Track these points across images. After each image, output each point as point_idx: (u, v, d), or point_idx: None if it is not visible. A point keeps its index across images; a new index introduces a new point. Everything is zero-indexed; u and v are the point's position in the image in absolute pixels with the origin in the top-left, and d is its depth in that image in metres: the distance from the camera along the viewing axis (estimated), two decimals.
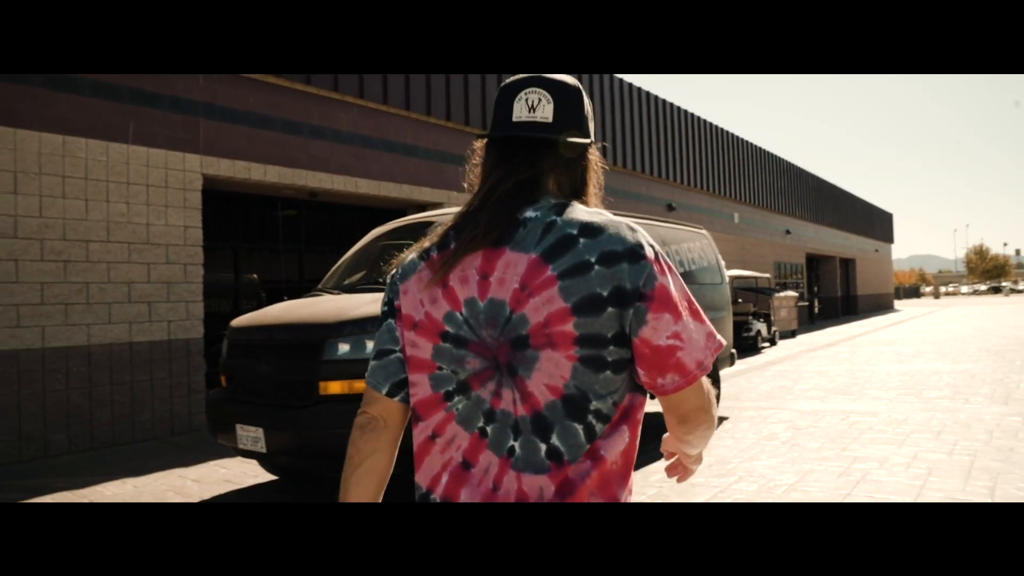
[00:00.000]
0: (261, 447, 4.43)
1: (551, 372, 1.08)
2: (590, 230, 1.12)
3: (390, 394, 1.23)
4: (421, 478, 1.20)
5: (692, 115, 21.84)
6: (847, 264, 36.53)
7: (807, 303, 28.84)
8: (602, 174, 1.30)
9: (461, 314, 1.14)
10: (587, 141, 1.25)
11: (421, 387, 1.18)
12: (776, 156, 26.75)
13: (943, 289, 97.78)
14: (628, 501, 1.16)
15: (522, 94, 1.21)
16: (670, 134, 20.28)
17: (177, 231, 7.96)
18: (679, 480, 1.40)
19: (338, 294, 5.18)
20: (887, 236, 44.73)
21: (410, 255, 1.25)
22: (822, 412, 7.55)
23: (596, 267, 1.08)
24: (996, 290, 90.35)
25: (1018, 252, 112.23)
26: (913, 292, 77.20)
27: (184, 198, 8.05)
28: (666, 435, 1.32)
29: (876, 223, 41.87)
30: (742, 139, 23.64)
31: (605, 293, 1.07)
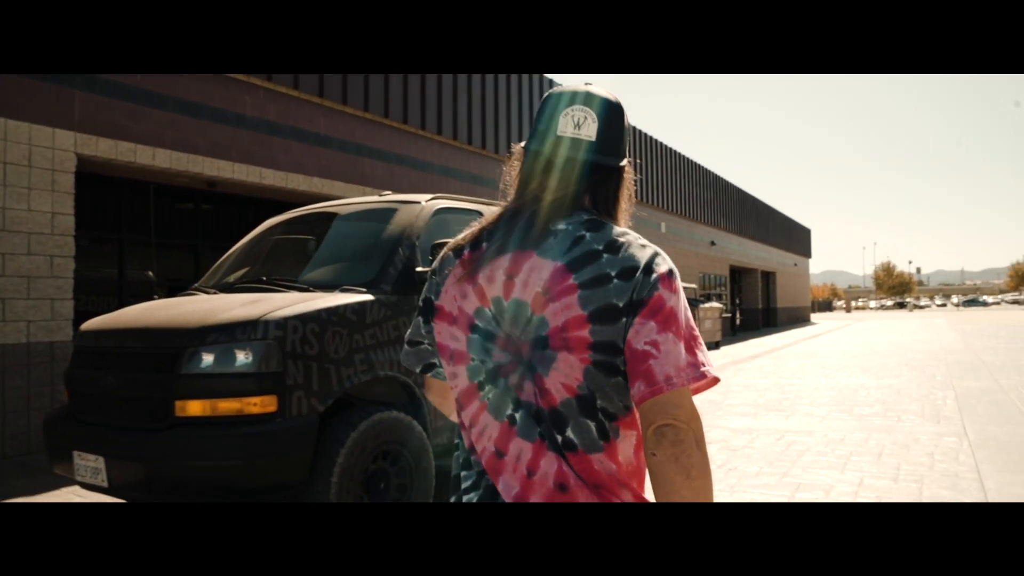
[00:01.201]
0: (102, 480, 3.58)
1: (567, 373, 1.16)
2: (614, 247, 1.19)
3: (424, 371, 1.39)
4: (458, 466, 1.29)
5: None
6: (768, 277, 37.26)
7: (730, 315, 29.12)
8: (633, 188, 1.35)
9: (489, 310, 1.22)
10: (623, 163, 1.31)
11: (460, 379, 1.26)
12: (702, 167, 26.90)
13: (853, 304, 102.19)
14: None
15: (569, 110, 1.27)
16: None
17: (42, 218, 6.91)
18: None
19: (214, 294, 4.37)
20: (805, 251, 46.03)
21: (447, 254, 1.31)
22: (756, 431, 7.13)
23: (615, 280, 1.16)
24: (901, 305, 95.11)
25: (919, 270, 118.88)
26: (826, 306, 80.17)
27: (52, 180, 7.01)
28: None
29: (795, 238, 43.00)
30: (671, 148, 23.58)
31: (621, 304, 1.15)
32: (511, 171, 1.36)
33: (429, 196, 4.71)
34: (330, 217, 4.87)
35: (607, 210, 1.30)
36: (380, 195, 5.06)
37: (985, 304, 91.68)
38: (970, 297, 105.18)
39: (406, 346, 1.40)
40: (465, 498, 1.25)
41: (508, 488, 1.19)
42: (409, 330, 1.40)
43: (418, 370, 1.39)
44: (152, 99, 7.98)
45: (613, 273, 1.16)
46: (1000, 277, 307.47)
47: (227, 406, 3.42)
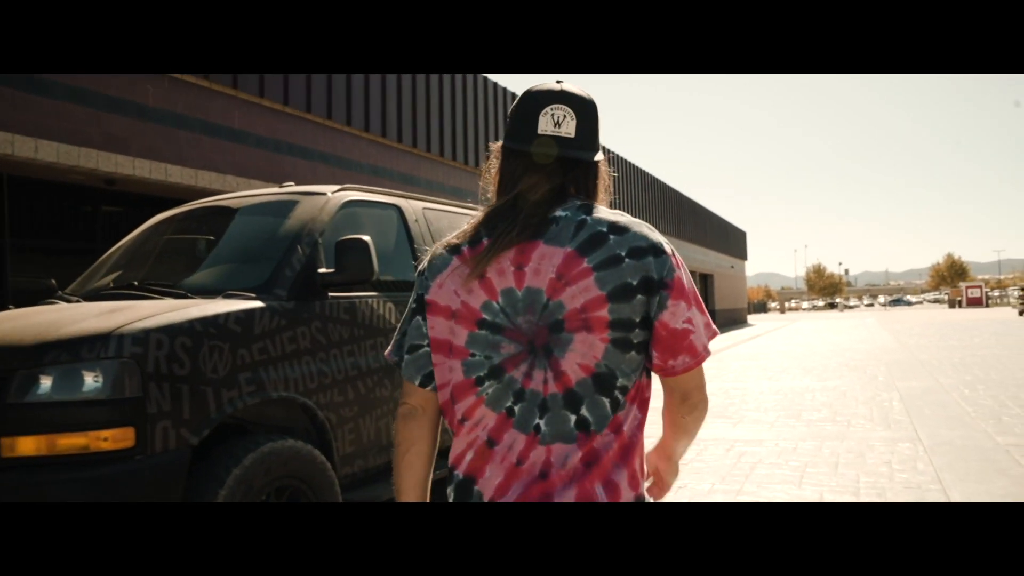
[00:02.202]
0: None
1: (584, 352, 1.22)
2: (618, 228, 1.27)
3: (423, 384, 1.36)
4: (449, 458, 1.34)
5: None
6: (706, 279, 37.57)
7: None
8: (609, 179, 1.43)
9: (497, 303, 1.26)
10: (600, 158, 1.39)
11: (456, 373, 1.30)
12: (639, 168, 26.81)
13: (787, 305, 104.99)
14: (641, 472, 1.30)
15: (548, 109, 1.33)
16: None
17: None
18: (654, 499, 1.48)
19: (76, 302, 3.65)
20: (742, 253, 46.74)
21: (439, 251, 1.36)
22: (704, 441, 6.71)
23: (626, 260, 1.24)
24: (832, 306, 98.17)
25: (847, 272, 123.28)
26: (761, 307, 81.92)
27: None
28: (649, 451, 1.46)
29: (732, 240, 43.58)
30: (607, 148, 23.36)
31: (635, 282, 1.23)
32: (491, 169, 1.41)
33: (336, 187, 4.09)
34: (224, 212, 4.20)
35: (588, 196, 1.37)
36: (280, 187, 4.41)
37: (909, 303, 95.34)
38: (895, 297, 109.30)
39: (406, 354, 1.38)
40: (452, 498, 1.32)
41: (493, 477, 1.26)
42: (403, 333, 1.40)
43: (416, 382, 1.37)
44: (35, 85, 7.11)
45: (623, 254, 1.24)
46: (921, 277, 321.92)
47: (70, 442, 2.73)
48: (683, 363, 1.27)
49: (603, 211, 1.31)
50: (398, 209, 4.42)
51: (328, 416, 3.50)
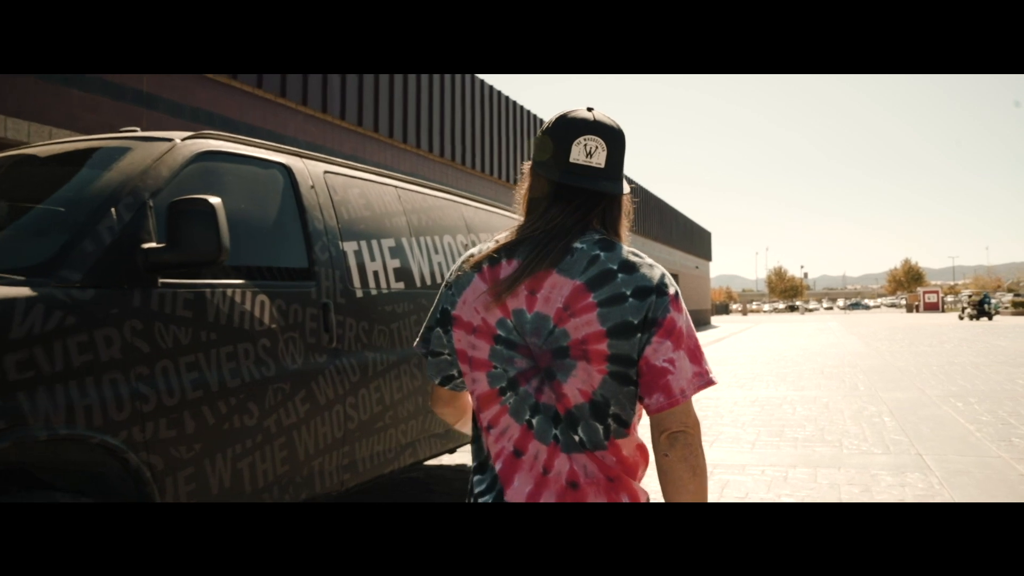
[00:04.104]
0: None
1: (584, 380, 1.29)
2: (627, 267, 1.32)
3: (442, 384, 1.51)
4: (473, 461, 1.42)
5: (527, 111, 20.28)
6: None
7: None
8: (631, 208, 1.47)
9: (510, 321, 1.33)
10: (627, 191, 1.44)
11: (480, 383, 1.37)
12: None
13: (748, 306, 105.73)
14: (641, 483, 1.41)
15: (581, 139, 1.36)
16: (503, 130, 18.53)
17: None
18: None
19: None
20: (706, 254, 46.25)
21: (463, 268, 1.42)
22: None
23: (630, 299, 1.29)
24: (792, 308, 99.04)
25: (806, 275, 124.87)
26: (723, 309, 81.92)
27: None
28: None
29: (697, 240, 43.04)
30: None
31: (636, 322, 1.28)
32: (521, 189, 1.46)
33: (190, 133, 2.94)
34: (30, 163, 3.03)
35: (613, 229, 1.41)
36: (120, 131, 3.24)
37: (867, 307, 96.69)
38: (854, 301, 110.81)
39: (429, 357, 1.48)
40: (480, 500, 1.37)
41: (523, 485, 1.33)
42: (429, 330, 1.47)
43: (436, 381, 1.49)
44: None
45: (628, 292, 1.30)
46: (877, 282, 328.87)
47: None
48: (656, 402, 1.29)
49: (618, 248, 1.35)
50: (285, 170, 3.29)
51: (148, 459, 2.37)
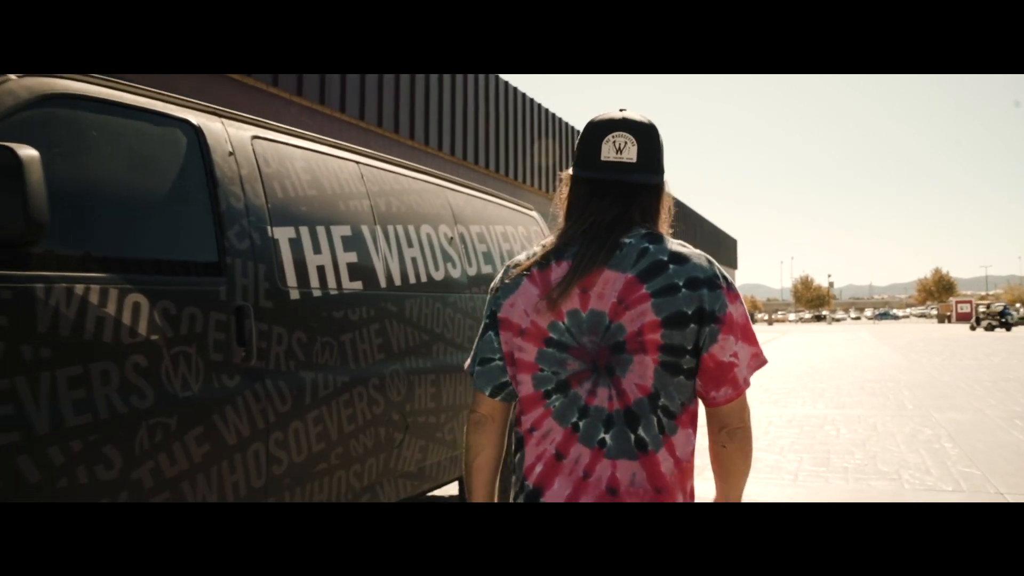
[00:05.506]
0: None
1: (641, 373, 1.31)
2: (678, 258, 1.34)
3: (492, 395, 1.45)
4: (519, 467, 1.41)
5: (548, 111, 19.57)
6: None
7: None
8: (672, 200, 1.48)
9: (563, 323, 1.34)
10: (663, 181, 1.44)
11: (525, 386, 1.39)
12: None
13: (774, 316, 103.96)
14: (692, 496, 1.41)
15: (609, 137, 1.39)
16: (520, 130, 17.81)
17: None
18: None
19: None
20: (732, 262, 45.18)
21: (510, 275, 1.42)
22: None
23: (683, 290, 1.31)
24: (820, 318, 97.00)
25: (832, 285, 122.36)
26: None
27: None
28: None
29: (723, 248, 42.01)
30: None
31: (689, 312, 1.30)
32: (560, 195, 1.47)
33: (41, 75, 2.14)
34: None
35: (653, 221, 1.43)
36: None
37: (896, 317, 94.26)
38: (882, 311, 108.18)
39: (476, 367, 1.45)
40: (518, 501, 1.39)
41: (562, 488, 1.33)
42: (477, 345, 1.47)
43: (487, 392, 1.45)
44: None
45: (680, 283, 1.31)
46: (905, 292, 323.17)
47: None
48: (725, 394, 1.34)
49: (666, 240, 1.38)
50: (192, 129, 2.48)
51: None
